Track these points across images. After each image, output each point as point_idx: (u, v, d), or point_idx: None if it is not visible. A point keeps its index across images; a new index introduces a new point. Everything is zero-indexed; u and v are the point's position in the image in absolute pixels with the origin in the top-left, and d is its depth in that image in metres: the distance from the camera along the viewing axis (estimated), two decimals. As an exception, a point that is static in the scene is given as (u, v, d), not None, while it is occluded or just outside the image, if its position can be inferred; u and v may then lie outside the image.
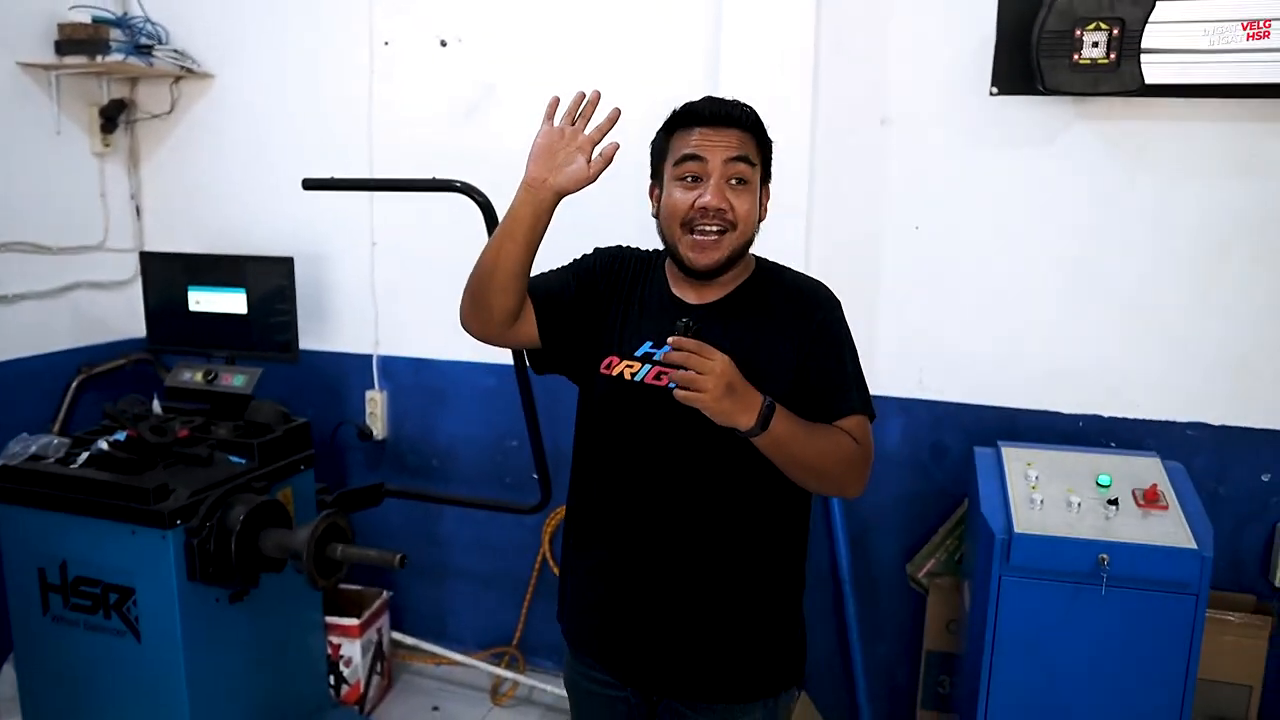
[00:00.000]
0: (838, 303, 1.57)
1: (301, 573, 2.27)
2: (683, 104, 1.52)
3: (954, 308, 2.58)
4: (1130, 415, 2.48)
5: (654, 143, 1.57)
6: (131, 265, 3.25)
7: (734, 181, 1.46)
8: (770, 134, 1.55)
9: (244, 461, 2.47)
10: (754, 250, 1.59)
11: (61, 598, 2.35)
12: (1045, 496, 2.15)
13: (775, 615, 1.58)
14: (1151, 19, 2.17)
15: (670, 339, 1.32)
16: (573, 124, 1.44)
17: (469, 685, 3.10)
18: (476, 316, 1.53)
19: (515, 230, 1.45)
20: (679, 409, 1.33)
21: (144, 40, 3.01)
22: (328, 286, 3.16)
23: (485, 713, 2.96)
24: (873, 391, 2.55)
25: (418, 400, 3.17)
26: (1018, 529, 2.05)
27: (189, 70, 3.09)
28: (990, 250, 2.52)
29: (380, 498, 2.94)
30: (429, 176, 2.45)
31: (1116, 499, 2.10)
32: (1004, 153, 2.48)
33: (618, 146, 1.43)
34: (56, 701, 2.45)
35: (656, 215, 1.55)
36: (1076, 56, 2.24)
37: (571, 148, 1.43)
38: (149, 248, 3.30)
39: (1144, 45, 2.19)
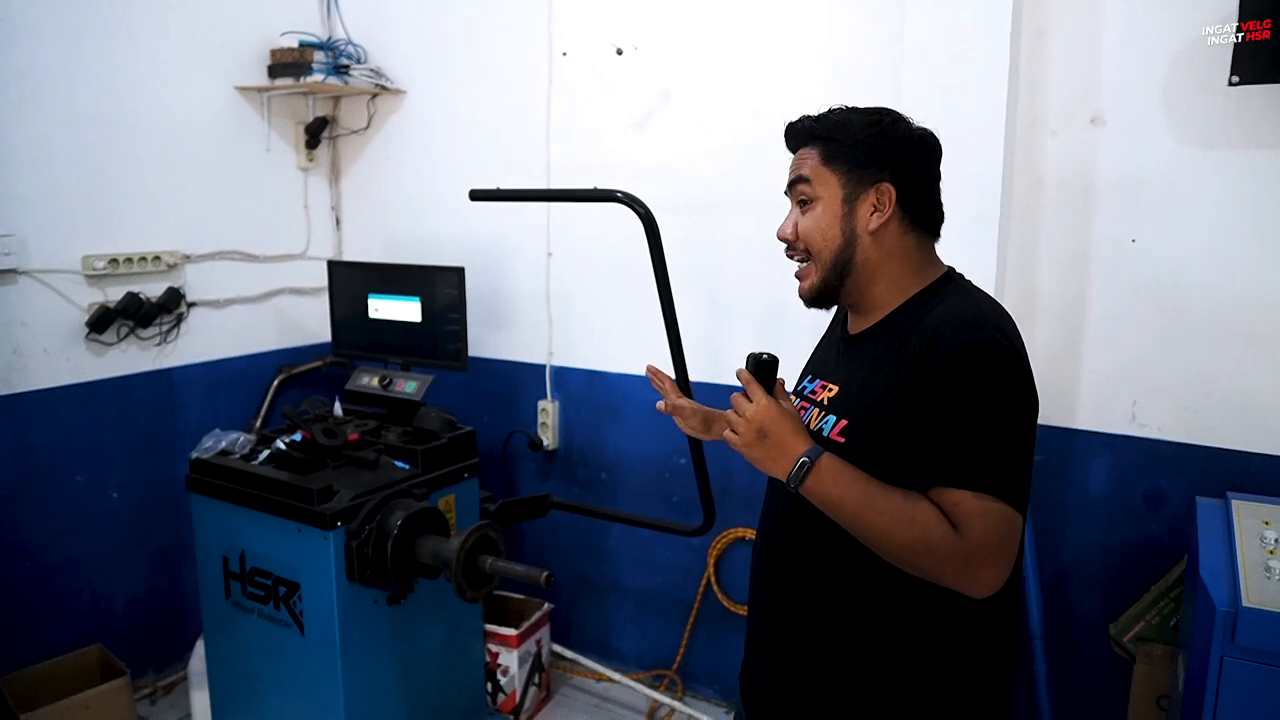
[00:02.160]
0: (970, 344, 1.21)
1: (451, 582, 2.28)
2: None
3: (1177, 332, 2.22)
4: None
5: None
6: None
7: (801, 204, 1.39)
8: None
9: (408, 467, 2.53)
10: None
11: (240, 585, 2.49)
12: (1286, 564, 1.78)
13: (923, 696, 1.31)
14: None
15: (736, 371, 1.28)
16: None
17: (627, 705, 3.03)
18: None
19: None
20: (828, 449, 1.27)
21: (344, 61, 3.18)
22: (506, 295, 3.20)
23: (640, 737, 2.89)
24: (1074, 426, 2.35)
25: (589, 412, 3.15)
26: (1246, 602, 1.70)
27: (383, 87, 3.24)
28: (1223, 266, 2.15)
29: (545, 509, 2.94)
30: (593, 187, 2.39)
31: (1382, 575, 1.71)
32: (1244, 153, 2.11)
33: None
34: (236, 680, 2.60)
35: None
36: (1350, 32, 1.86)
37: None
38: (347, 257, 3.49)
39: None
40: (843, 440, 1.30)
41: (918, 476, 1.21)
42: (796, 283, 1.43)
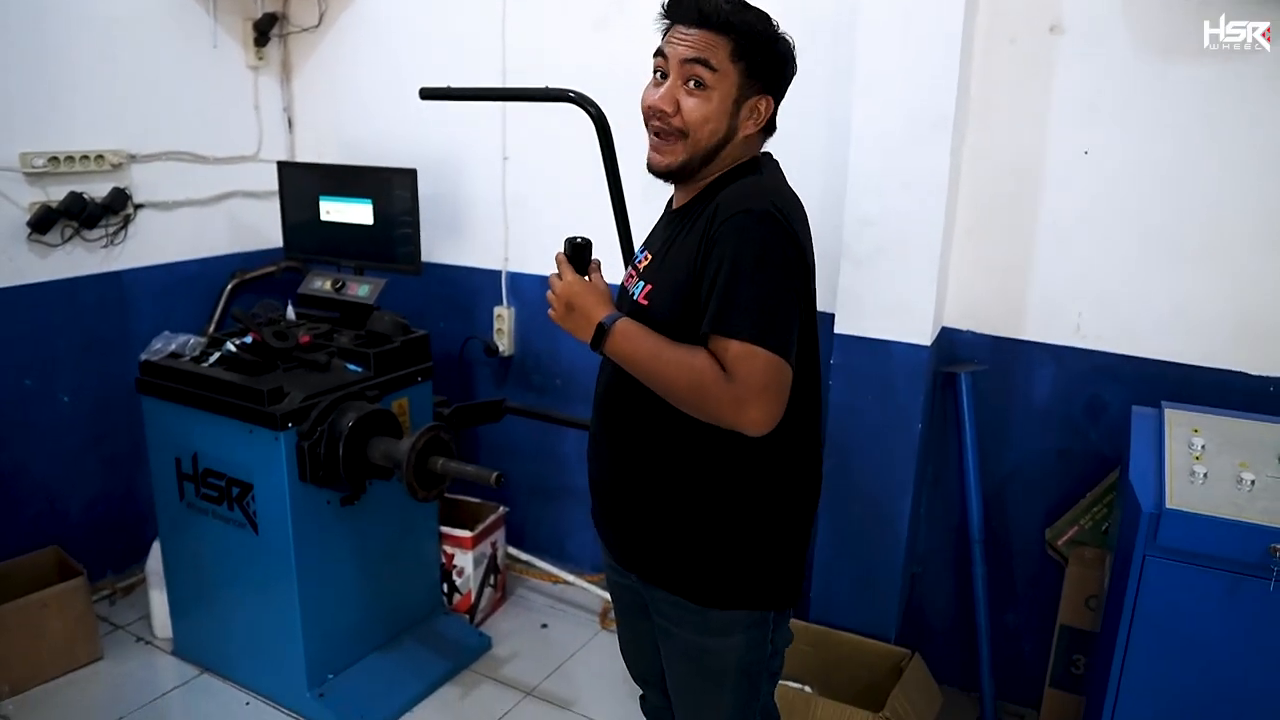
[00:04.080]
0: (748, 212, 1.35)
1: (403, 482, 2.30)
2: None
3: (1125, 245, 2.24)
4: (1338, 382, 2.10)
5: None
6: (283, 175, 3.37)
7: (692, 84, 1.41)
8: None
9: (360, 370, 2.52)
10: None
11: (194, 487, 2.51)
12: (1210, 470, 1.83)
13: (724, 521, 1.49)
14: None
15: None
16: None
17: (580, 606, 3.11)
18: None
19: None
20: (634, 311, 1.45)
21: (293, -50, 3.05)
22: (462, 200, 3.16)
23: (592, 635, 2.96)
24: (1019, 336, 2.39)
25: (545, 318, 3.10)
26: (1170, 504, 1.76)
27: (334, -19, 3.12)
28: (1176, 181, 2.16)
29: (500, 414, 2.96)
30: (543, 86, 2.34)
31: (1300, 480, 1.76)
32: (1203, 66, 2.09)
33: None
34: (193, 580, 2.65)
35: None
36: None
37: None
38: (300, 159, 3.41)
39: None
40: (646, 303, 1.46)
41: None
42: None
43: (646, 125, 1.47)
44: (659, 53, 1.44)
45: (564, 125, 2.72)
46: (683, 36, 1.40)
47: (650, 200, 2.05)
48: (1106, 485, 2.34)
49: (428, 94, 2.43)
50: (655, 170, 1.47)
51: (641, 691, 1.89)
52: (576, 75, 2.58)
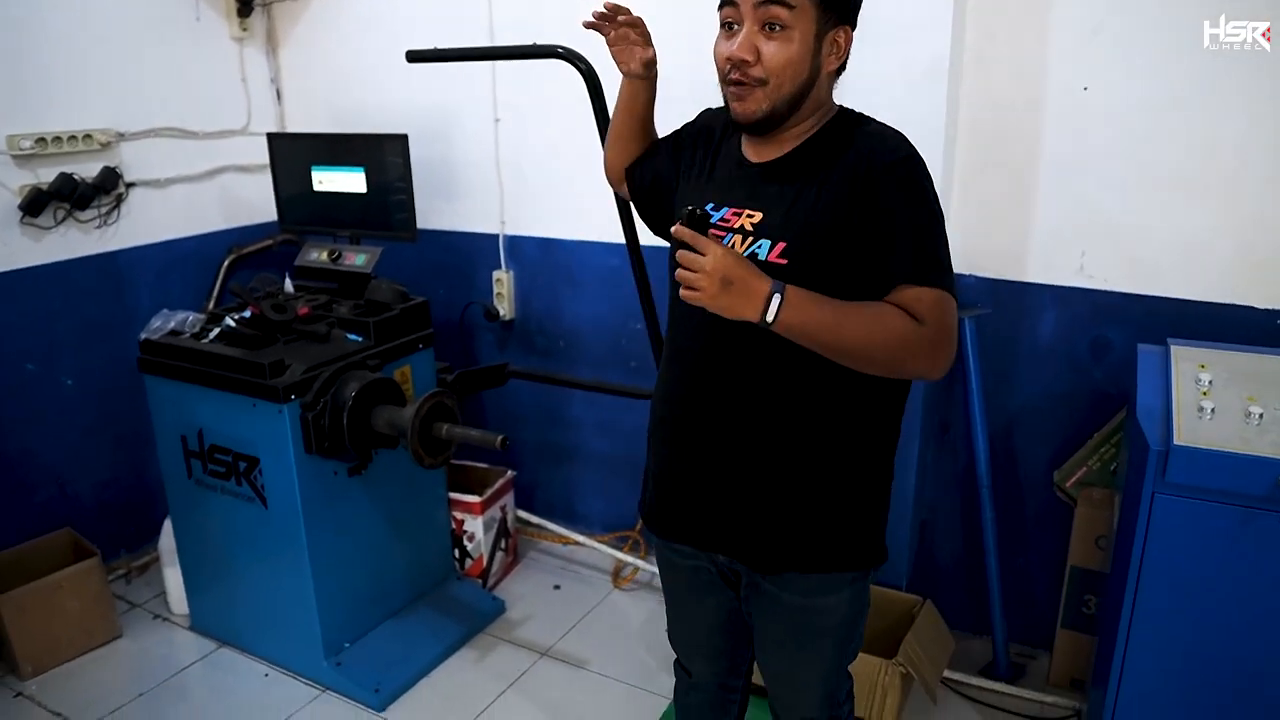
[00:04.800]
0: (910, 157, 1.34)
1: (409, 450, 2.30)
2: None
3: (1127, 182, 2.20)
4: (1346, 314, 2.08)
5: None
6: (275, 148, 3.33)
7: (768, 28, 1.33)
8: None
9: (360, 339, 2.51)
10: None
11: (201, 463, 2.51)
12: (1218, 405, 1.82)
13: (838, 487, 1.46)
14: None
15: (672, 230, 1.26)
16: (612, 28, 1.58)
17: (592, 566, 3.13)
18: (606, 166, 1.78)
19: (619, 102, 1.70)
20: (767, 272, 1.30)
21: (271, -84, 2.99)
22: (455, 164, 3.12)
23: (605, 594, 2.98)
24: (1023, 279, 2.37)
25: (545, 281, 3.12)
26: (1178, 441, 1.75)
27: (315, -54, 3.06)
28: (1179, 116, 2.12)
29: (504, 378, 2.95)
30: (531, 43, 2.30)
31: (1309, 412, 1.75)
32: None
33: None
34: (205, 556, 2.66)
35: None
36: None
37: (624, 45, 1.59)
38: (290, 129, 3.38)
39: None
40: (784, 261, 1.35)
41: (864, 281, 1.32)
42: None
43: (723, 81, 1.39)
44: (725, 3, 1.37)
45: (555, 85, 2.68)
46: None
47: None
48: (1114, 425, 2.33)
49: (415, 56, 2.40)
50: (743, 121, 1.39)
51: (678, 659, 1.81)
52: (565, 31, 2.54)
